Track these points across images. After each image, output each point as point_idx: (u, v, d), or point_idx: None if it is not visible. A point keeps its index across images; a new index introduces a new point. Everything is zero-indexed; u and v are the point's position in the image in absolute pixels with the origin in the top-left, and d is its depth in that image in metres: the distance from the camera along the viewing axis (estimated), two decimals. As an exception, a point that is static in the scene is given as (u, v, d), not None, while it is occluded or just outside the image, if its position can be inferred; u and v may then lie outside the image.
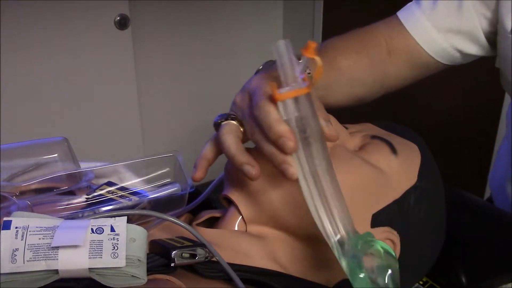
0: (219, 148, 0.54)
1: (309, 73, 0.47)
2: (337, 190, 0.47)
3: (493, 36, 0.73)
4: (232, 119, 0.54)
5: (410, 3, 0.78)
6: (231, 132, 0.52)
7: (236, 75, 2.01)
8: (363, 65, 0.73)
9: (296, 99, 0.46)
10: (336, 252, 0.46)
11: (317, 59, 0.45)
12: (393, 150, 0.59)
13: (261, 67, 0.63)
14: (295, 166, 0.46)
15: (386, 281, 0.44)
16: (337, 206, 0.46)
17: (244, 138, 0.54)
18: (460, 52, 0.75)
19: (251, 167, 0.49)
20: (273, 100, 0.47)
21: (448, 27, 0.73)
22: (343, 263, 0.45)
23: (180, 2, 1.76)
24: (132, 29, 1.64)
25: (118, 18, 1.59)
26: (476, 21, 0.72)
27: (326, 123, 0.50)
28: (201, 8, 1.81)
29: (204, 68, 1.92)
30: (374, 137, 0.60)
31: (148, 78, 1.78)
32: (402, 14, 0.77)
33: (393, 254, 0.45)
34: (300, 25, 1.97)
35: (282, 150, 0.46)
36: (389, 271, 0.44)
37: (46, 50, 1.50)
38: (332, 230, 0.46)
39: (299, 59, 0.46)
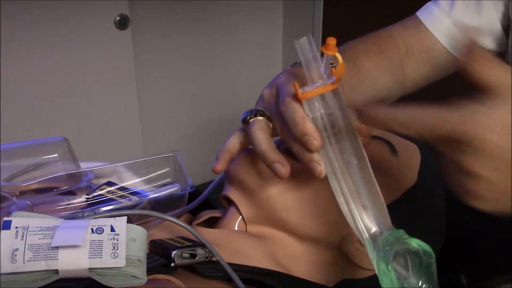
0: (246, 143, 0.54)
1: (333, 67, 0.47)
2: (370, 185, 0.45)
3: (509, 30, 0.74)
4: (261, 115, 0.53)
5: (428, 3, 0.78)
6: (262, 129, 0.52)
7: (236, 75, 2.01)
8: (383, 68, 0.73)
9: (322, 96, 0.45)
10: (368, 248, 0.44)
11: (338, 55, 0.45)
12: (393, 150, 0.59)
13: (289, 67, 0.62)
14: (323, 163, 0.46)
15: (421, 283, 0.42)
16: (370, 200, 0.45)
17: (273, 134, 0.53)
18: None
19: (281, 166, 0.49)
20: (297, 98, 0.46)
21: (468, 24, 0.74)
22: (372, 259, 0.44)
23: (180, 2, 1.76)
24: (132, 29, 1.64)
25: (118, 18, 1.59)
26: (495, 18, 0.72)
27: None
28: (201, 8, 1.81)
29: (204, 68, 1.92)
30: (374, 137, 0.60)
31: (148, 78, 1.78)
32: (421, 13, 0.77)
33: (431, 253, 0.43)
34: (300, 25, 1.96)
35: (307, 148, 0.46)
36: (429, 269, 0.43)
37: (46, 50, 1.50)
38: (364, 226, 0.45)
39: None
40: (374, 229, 0.44)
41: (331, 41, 0.44)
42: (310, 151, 0.46)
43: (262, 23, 2.00)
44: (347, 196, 0.45)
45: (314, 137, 0.45)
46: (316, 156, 0.46)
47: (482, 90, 0.39)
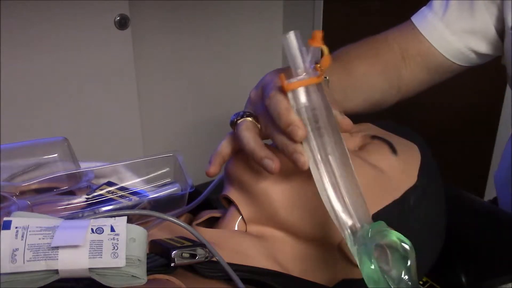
0: (236, 145, 0.55)
1: (318, 65, 0.48)
2: (351, 179, 0.46)
3: (503, 34, 0.73)
4: (248, 116, 0.54)
5: (423, 8, 0.78)
6: (248, 129, 0.52)
7: (236, 75, 2.01)
8: (377, 71, 0.73)
9: (306, 89, 0.46)
10: (348, 241, 0.45)
11: (324, 47, 0.46)
12: (393, 150, 0.59)
13: None
14: (307, 155, 0.47)
15: (403, 275, 0.42)
16: (351, 194, 0.46)
17: (261, 135, 0.54)
18: (475, 52, 0.75)
19: (271, 161, 0.49)
20: (283, 90, 0.47)
21: (461, 28, 0.74)
22: (354, 253, 0.44)
23: (180, 2, 1.76)
24: (132, 29, 1.64)
25: (118, 18, 1.59)
26: (488, 20, 0.72)
27: (340, 113, 0.50)
28: (201, 8, 1.81)
29: (204, 68, 1.92)
30: (374, 137, 0.60)
31: (148, 78, 1.78)
32: (415, 18, 0.77)
33: (409, 244, 0.44)
34: (300, 25, 1.97)
35: (292, 138, 0.47)
36: (405, 263, 0.43)
37: (46, 50, 1.50)
38: (344, 219, 0.45)
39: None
40: (354, 223, 0.45)
41: (318, 33, 0.45)
42: (294, 141, 0.47)
43: (262, 23, 2.00)
44: (329, 189, 0.46)
45: (299, 127, 0.46)
46: (299, 147, 0.47)
47: None
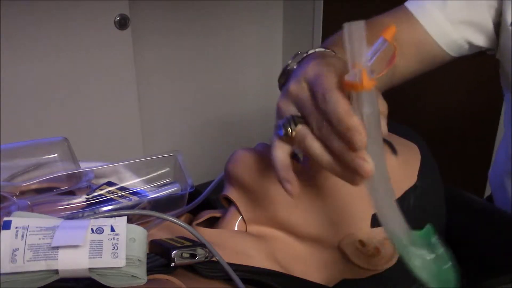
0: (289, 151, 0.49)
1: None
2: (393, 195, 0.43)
3: (499, 27, 0.74)
4: (300, 123, 0.45)
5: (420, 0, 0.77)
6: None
7: (236, 75, 2.01)
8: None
9: (372, 91, 0.40)
10: (406, 255, 0.43)
11: (395, 45, 0.40)
12: (393, 150, 0.59)
13: (290, 61, 0.56)
14: (372, 163, 0.40)
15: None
16: (393, 210, 0.43)
17: (314, 136, 0.45)
18: (469, 43, 0.75)
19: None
20: (341, 88, 0.41)
21: (460, 19, 0.74)
22: (412, 259, 0.42)
23: (180, 2, 1.76)
24: (132, 29, 1.64)
25: (118, 18, 1.59)
26: (487, 13, 0.72)
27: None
28: (201, 8, 1.81)
29: (204, 68, 1.92)
30: (374, 137, 0.60)
31: (148, 78, 1.78)
32: (412, 7, 0.76)
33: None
34: (300, 25, 1.96)
35: (351, 145, 0.40)
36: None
37: (46, 50, 1.50)
38: (399, 231, 0.43)
39: None
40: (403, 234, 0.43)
41: (393, 28, 0.40)
42: (353, 149, 0.40)
43: (262, 23, 2.00)
44: (385, 202, 0.43)
45: (360, 132, 0.39)
46: (363, 153, 0.40)
47: None
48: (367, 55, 0.40)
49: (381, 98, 0.44)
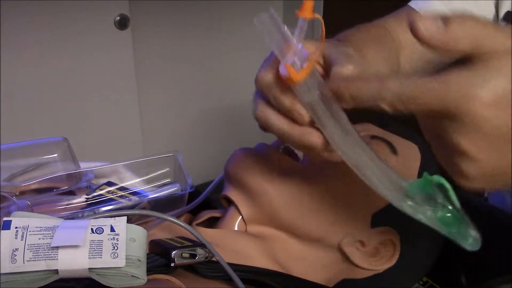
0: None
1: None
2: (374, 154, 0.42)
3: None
4: None
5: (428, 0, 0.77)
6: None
7: (236, 75, 2.01)
8: (383, 57, 0.70)
9: (311, 76, 0.41)
10: (411, 206, 0.41)
11: (319, 17, 0.40)
12: (393, 150, 0.59)
13: None
14: (318, 133, 0.42)
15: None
16: (382, 166, 0.42)
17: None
18: None
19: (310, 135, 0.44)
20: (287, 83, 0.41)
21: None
22: (412, 209, 0.41)
23: (180, 2, 1.76)
24: (132, 29, 1.64)
25: (118, 18, 1.58)
26: (491, 8, 0.72)
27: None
28: (201, 8, 1.81)
29: (204, 68, 1.92)
30: (374, 137, 0.60)
31: (148, 78, 1.78)
32: (417, 5, 0.76)
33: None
34: (300, 25, 1.96)
35: (297, 121, 0.42)
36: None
37: (46, 50, 1.50)
38: (395, 191, 0.41)
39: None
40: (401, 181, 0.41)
41: (309, 3, 0.40)
42: (301, 123, 0.42)
43: (262, 23, 2.00)
44: (364, 164, 0.42)
45: (300, 112, 0.41)
46: (307, 128, 0.42)
47: (468, 59, 0.34)
48: (293, 41, 0.40)
49: (311, 42, 0.44)
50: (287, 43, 0.40)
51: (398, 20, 0.76)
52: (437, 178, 0.41)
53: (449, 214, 0.41)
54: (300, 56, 0.40)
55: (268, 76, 0.43)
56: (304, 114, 0.42)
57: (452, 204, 0.41)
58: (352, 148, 0.41)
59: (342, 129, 0.41)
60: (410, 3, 0.77)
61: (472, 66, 0.34)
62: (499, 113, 0.32)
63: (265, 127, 0.45)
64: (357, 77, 0.41)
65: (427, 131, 0.40)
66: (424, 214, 0.42)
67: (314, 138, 0.42)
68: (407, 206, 0.41)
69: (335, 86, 0.40)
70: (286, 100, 0.42)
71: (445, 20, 0.35)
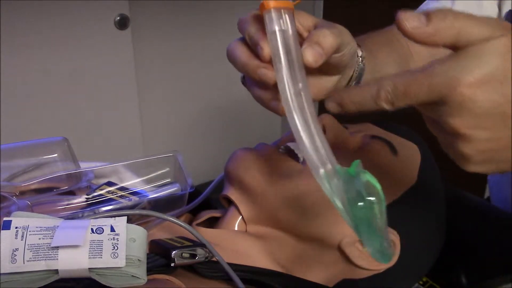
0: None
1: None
2: (317, 121, 0.42)
3: None
4: None
5: (427, 1, 0.77)
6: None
7: (236, 75, 2.01)
8: (394, 60, 0.70)
9: (282, 12, 0.43)
10: (325, 179, 0.41)
11: None
12: (393, 150, 0.59)
13: None
14: (280, 88, 0.42)
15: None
16: (319, 135, 0.42)
17: None
18: None
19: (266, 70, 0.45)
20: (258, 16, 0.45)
21: None
22: (331, 191, 0.41)
23: (180, 2, 1.76)
24: (132, 29, 1.64)
25: (118, 18, 1.58)
26: (496, 7, 0.72)
27: (308, 48, 0.44)
28: (201, 8, 1.81)
29: (204, 68, 1.92)
30: (374, 137, 0.60)
31: (148, 78, 1.78)
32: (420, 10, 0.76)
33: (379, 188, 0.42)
34: (300, 25, 1.96)
35: (253, 46, 0.45)
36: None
37: (46, 50, 1.50)
38: (319, 160, 0.41)
39: None
40: (328, 162, 0.41)
41: None
42: (258, 52, 0.44)
43: (262, 23, 2.00)
44: (302, 124, 0.41)
45: (261, 45, 0.44)
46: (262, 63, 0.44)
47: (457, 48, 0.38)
48: None
49: (309, 16, 0.48)
50: None
51: None
52: (363, 171, 0.42)
53: (363, 210, 0.41)
54: None
55: (247, 16, 0.48)
56: (265, 47, 0.43)
57: (370, 203, 0.41)
58: (298, 108, 0.42)
59: (293, 84, 0.42)
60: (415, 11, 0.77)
61: (454, 55, 0.37)
62: (482, 93, 0.35)
63: (231, 59, 0.49)
64: (357, 86, 0.44)
65: (428, 122, 0.43)
66: (341, 201, 0.42)
67: (267, 73, 0.44)
68: (326, 187, 0.42)
69: (338, 98, 0.41)
70: (253, 28, 0.45)
71: (428, 15, 0.38)
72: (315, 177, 0.41)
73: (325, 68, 0.49)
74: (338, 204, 0.42)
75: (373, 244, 0.41)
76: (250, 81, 0.49)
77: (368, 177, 0.42)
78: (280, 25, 0.43)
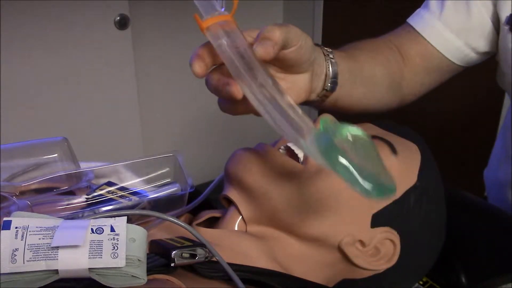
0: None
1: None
2: (288, 100, 0.45)
3: (499, 27, 0.73)
4: None
5: (418, 9, 0.77)
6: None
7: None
8: (379, 62, 0.71)
9: (222, 26, 0.46)
10: (306, 145, 0.43)
11: None
12: (393, 150, 0.59)
13: None
14: (239, 85, 0.46)
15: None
16: (293, 112, 0.44)
17: None
18: (474, 50, 0.75)
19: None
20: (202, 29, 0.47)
21: (459, 26, 0.73)
22: (313, 153, 0.43)
23: (180, 2, 1.76)
24: (132, 29, 1.64)
25: (118, 18, 1.58)
26: (485, 16, 0.72)
27: (258, 44, 0.48)
28: (201, 8, 1.81)
29: (204, 68, 1.92)
30: (374, 137, 0.60)
31: (148, 78, 1.78)
32: (412, 20, 0.77)
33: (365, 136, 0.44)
34: (300, 25, 1.96)
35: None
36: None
37: (46, 50, 1.50)
38: (296, 132, 0.43)
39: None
40: (304, 128, 0.43)
41: None
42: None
43: (262, 23, 2.00)
44: (272, 111, 0.44)
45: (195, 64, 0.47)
46: (229, 80, 0.47)
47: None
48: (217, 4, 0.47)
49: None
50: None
51: (398, 35, 0.77)
52: (333, 125, 0.44)
53: (344, 155, 0.42)
54: (219, 12, 0.47)
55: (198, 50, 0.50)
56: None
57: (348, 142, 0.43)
58: (261, 95, 0.45)
59: (253, 78, 0.45)
60: (408, 20, 0.78)
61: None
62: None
63: (208, 87, 0.51)
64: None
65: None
66: (326, 160, 0.42)
67: (233, 88, 0.47)
68: (311, 152, 0.43)
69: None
70: (201, 48, 0.48)
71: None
72: (299, 147, 0.44)
73: (289, 65, 0.53)
74: (322, 161, 0.42)
75: (369, 181, 0.41)
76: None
77: (343, 127, 0.44)
78: (220, 38, 0.46)
